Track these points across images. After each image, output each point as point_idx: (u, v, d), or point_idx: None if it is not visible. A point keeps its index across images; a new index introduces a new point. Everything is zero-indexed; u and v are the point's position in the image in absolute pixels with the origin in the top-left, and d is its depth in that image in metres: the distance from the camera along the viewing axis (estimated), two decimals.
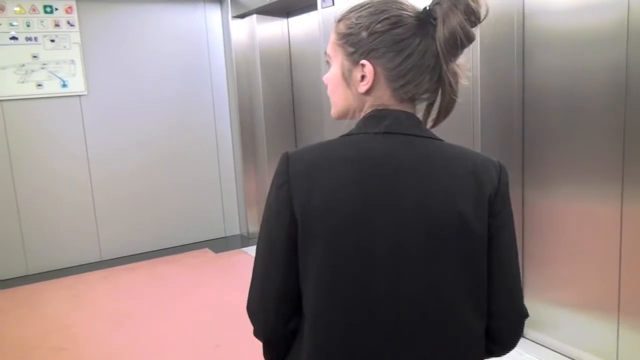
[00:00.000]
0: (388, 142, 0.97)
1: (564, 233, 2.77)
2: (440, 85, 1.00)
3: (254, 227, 5.34)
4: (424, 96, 1.02)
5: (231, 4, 4.94)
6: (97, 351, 3.21)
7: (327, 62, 1.08)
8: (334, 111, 1.08)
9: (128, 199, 4.92)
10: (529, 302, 2.96)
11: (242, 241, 5.28)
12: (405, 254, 0.95)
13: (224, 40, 5.17)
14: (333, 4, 3.70)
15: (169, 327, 3.49)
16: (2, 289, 4.30)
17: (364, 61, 0.98)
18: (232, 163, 5.39)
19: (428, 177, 0.96)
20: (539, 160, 2.83)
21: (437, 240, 0.95)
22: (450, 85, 0.98)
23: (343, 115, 1.07)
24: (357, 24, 0.99)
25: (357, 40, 0.99)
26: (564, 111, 2.67)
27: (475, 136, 2.75)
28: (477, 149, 2.75)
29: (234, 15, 4.96)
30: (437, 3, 0.95)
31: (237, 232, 5.48)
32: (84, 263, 4.77)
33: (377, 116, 1.00)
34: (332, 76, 1.06)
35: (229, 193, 5.41)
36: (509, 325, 1.05)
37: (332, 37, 1.04)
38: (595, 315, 2.66)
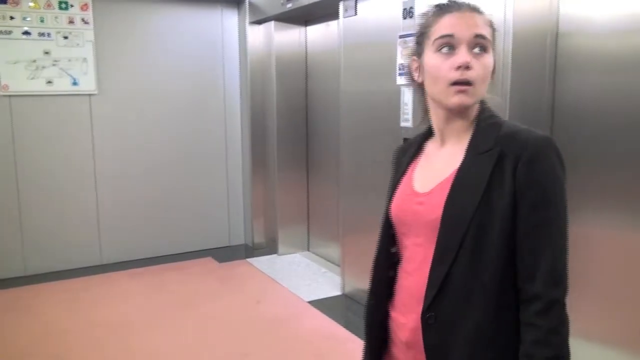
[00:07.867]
0: None
1: (589, 263, 2.63)
2: None
3: (260, 238, 5.21)
4: None
5: (249, 10, 4.85)
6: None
7: (482, 50, 1.16)
8: (476, 99, 1.18)
9: (132, 202, 4.81)
10: None
11: (247, 251, 5.15)
12: None
13: (239, 45, 5.08)
14: (355, 14, 3.60)
15: (167, 337, 3.36)
16: None
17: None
18: (241, 171, 5.28)
19: None
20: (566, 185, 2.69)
21: None
22: None
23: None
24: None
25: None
26: (595, 136, 2.55)
27: None
28: None
29: (251, 21, 4.87)
30: None
31: (242, 242, 5.35)
32: (84, 266, 4.65)
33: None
34: (490, 67, 1.17)
35: (235, 201, 5.29)
36: None
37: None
38: (619, 352, 2.52)
